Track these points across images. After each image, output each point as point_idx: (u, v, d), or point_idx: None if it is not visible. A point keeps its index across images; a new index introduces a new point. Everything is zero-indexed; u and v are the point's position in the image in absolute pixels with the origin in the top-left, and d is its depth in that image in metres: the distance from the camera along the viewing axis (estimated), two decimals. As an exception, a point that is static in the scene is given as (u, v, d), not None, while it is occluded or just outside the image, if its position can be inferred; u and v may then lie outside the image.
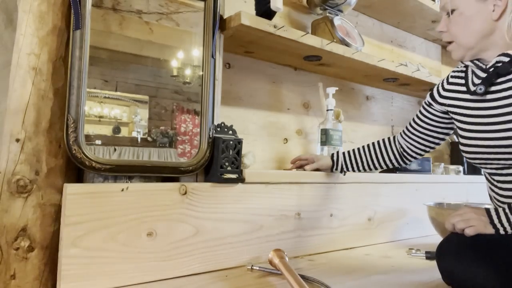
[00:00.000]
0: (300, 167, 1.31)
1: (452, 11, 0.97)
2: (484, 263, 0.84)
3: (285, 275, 0.91)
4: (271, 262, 1.01)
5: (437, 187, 1.70)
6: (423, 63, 2.07)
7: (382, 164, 1.26)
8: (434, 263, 0.97)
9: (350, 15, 1.70)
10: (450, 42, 1.01)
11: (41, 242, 0.85)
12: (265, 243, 1.14)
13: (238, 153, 1.08)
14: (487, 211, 0.92)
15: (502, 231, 0.89)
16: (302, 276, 0.94)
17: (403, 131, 1.23)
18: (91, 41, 0.90)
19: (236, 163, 1.08)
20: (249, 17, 1.09)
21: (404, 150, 1.23)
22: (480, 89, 0.97)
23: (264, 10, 1.16)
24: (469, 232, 0.90)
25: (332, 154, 1.29)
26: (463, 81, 1.06)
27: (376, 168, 1.27)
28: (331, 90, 1.44)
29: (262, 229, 1.14)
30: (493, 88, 0.97)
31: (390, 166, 1.27)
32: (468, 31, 0.97)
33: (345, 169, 1.28)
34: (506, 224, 0.89)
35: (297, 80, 1.54)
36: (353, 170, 1.28)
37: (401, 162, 1.26)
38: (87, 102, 0.90)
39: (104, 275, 0.87)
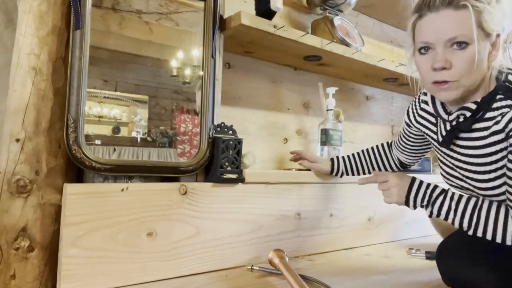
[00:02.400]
0: (299, 159, 1.30)
1: (466, 45, 0.80)
2: (485, 263, 0.84)
3: (285, 275, 0.91)
4: (271, 262, 1.01)
5: (437, 187, 1.70)
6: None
7: (382, 169, 1.26)
8: (434, 263, 0.97)
9: (350, 15, 1.70)
10: (446, 82, 0.83)
11: (41, 242, 0.85)
12: (265, 243, 1.14)
13: (238, 153, 1.08)
14: (410, 184, 0.93)
15: (412, 207, 0.93)
16: (302, 276, 0.94)
17: (395, 142, 1.22)
18: (91, 41, 0.90)
19: (236, 163, 1.08)
20: (249, 17, 1.09)
21: (400, 159, 1.24)
22: (446, 147, 0.93)
23: (264, 10, 1.16)
24: (386, 202, 0.97)
25: (332, 160, 1.27)
26: (434, 120, 1.00)
27: None
28: (331, 90, 1.44)
29: (262, 229, 1.14)
30: (460, 143, 0.91)
31: (390, 171, 1.27)
32: (478, 72, 0.83)
33: (344, 174, 1.28)
34: (418, 203, 0.92)
35: (297, 80, 1.54)
36: (353, 175, 1.28)
37: (400, 168, 1.26)
38: (87, 102, 0.90)
39: (104, 275, 0.87)
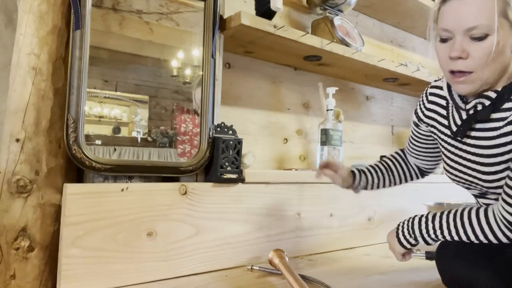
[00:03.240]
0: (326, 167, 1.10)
1: (486, 36, 0.78)
2: (484, 265, 0.83)
3: (285, 275, 0.91)
4: (271, 262, 1.01)
5: (437, 187, 1.70)
6: (423, 63, 2.07)
7: (403, 180, 1.14)
8: (434, 263, 0.97)
9: (350, 15, 1.70)
10: (463, 72, 0.81)
11: (41, 242, 0.85)
12: (265, 243, 1.14)
13: (238, 153, 1.08)
14: (396, 230, 0.96)
15: (407, 245, 0.93)
16: (302, 276, 0.94)
17: (407, 148, 1.12)
18: (91, 41, 0.90)
19: (236, 163, 1.08)
20: (249, 17, 1.09)
21: (419, 168, 1.14)
22: (460, 137, 0.89)
23: (264, 10, 1.16)
24: (396, 259, 0.97)
25: (353, 173, 1.09)
26: (444, 112, 0.95)
27: (396, 185, 1.15)
28: (331, 90, 1.44)
29: (262, 229, 1.14)
30: (473, 134, 0.88)
31: (410, 180, 1.16)
32: (497, 64, 0.80)
33: (364, 189, 1.12)
34: (410, 239, 0.93)
35: (297, 80, 1.54)
36: (372, 189, 1.12)
37: (420, 176, 1.16)
38: (87, 102, 0.90)
39: (104, 275, 0.87)
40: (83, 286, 0.84)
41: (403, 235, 0.94)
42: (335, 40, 1.35)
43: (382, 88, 1.86)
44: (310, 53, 1.33)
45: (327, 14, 1.45)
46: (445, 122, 0.95)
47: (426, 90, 1.03)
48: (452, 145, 0.94)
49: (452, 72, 0.82)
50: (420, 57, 2.12)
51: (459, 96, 0.90)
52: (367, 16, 1.85)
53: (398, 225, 0.97)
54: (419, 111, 1.04)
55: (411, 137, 1.09)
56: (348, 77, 1.66)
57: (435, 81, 1.01)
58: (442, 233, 0.88)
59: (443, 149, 0.99)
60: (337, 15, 1.46)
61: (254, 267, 1.04)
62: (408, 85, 1.76)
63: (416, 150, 1.09)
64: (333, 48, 1.31)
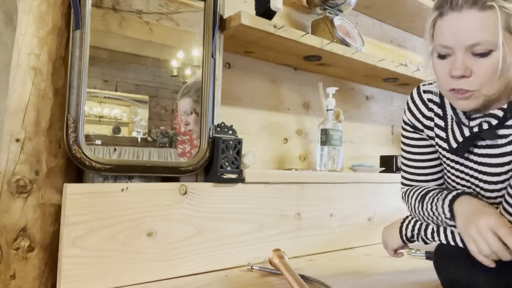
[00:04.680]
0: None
1: (490, 52, 0.73)
2: (483, 267, 0.83)
3: (285, 275, 0.91)
4: (271, 262, 1.01)
5: (437, 187, 1.70)
6: (423, 63, 2.06)
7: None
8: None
9: (350, 15, 1.70)
10: (466, 90, 0.75)
11: (41, 242, 0.85)
12: (265, 243, 1.14)
13: (238, 153, 1.08)
14: (401, 224, 0.95)
15: (404, 238, 0.93)
16: (302, 276, 0.94)
17: (410, 185, 0.99)
18: (91, 41, 0.90)
19: (236, 163, 1.08)
20: (249, 17, 1.09)
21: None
22: (461, 154, 0.85)
23: (264, 10, 1.16)
24: (388, 254, 0.98)
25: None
26: (442, 123, 0.89)
27: None
28: (331, 90, 1.44)
29: (262, 229, 1.14)
30: (475, 150, 0.84)
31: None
32: (502, 80, 0.75)
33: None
34: (408, 234, 0.92)
35: (297, 80, 1.54)
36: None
37: None
38: (87, 102, 0.90)
39: (104, 275, 0.87)
40: (83, 286, 0.84)
41: (406, 227, 0.93)
42: (335, 40, 1.35)
43: (382, 88, 1.86)
44: (310, 53, 1.33)
45: (327, 14, 1.45)
46: (443, 134, 0.89)
47: (420, 95, 0.94)
48: (451, 159, 0.92)
49: (454, 90, 0.77)
50: (420, 57, 2.12)
51: (463, 111, 0.85)
52: (367, 16, 1.85)
53: (406, 217, 0.96)
54: (420, 117, 0.93)
55: (413, 161, 0.97)
56: (348, 77, 1.66)
57: (424, 84, 0.94)
58: (438, 235, 0.88)
59: (443, 163, 0.96)
60: (337, 15, 1.46)
61: (254, 267, 1.04)
62: (408, 85, 1.76)
63: (425, 175, 0.96)
64: (333, 48, 1.31)
